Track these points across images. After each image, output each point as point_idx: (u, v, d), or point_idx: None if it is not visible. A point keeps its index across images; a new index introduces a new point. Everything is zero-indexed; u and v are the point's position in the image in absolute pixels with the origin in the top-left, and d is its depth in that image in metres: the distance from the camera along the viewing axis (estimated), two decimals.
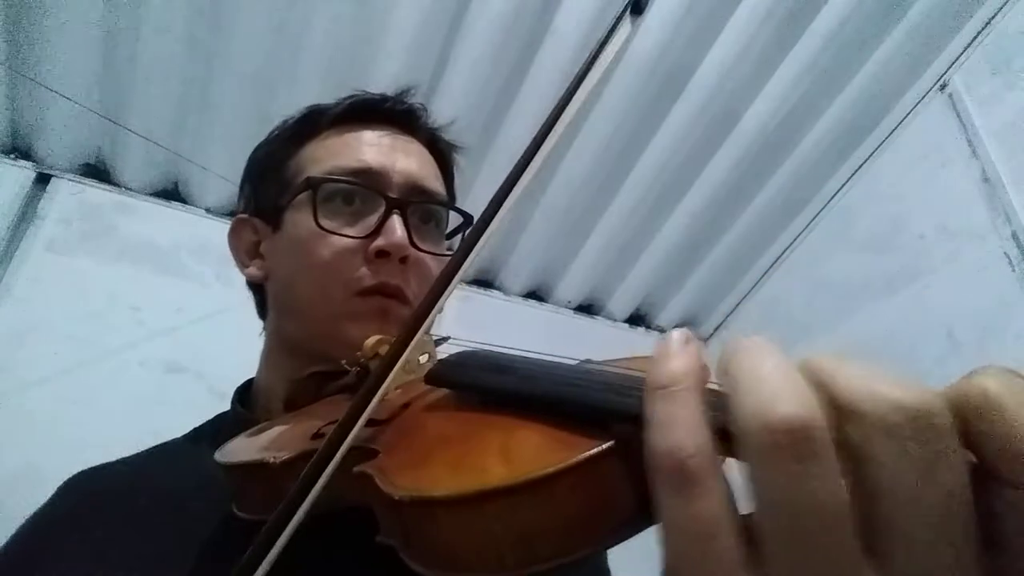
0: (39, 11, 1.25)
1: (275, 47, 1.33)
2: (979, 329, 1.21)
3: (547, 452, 0.27)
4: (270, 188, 0.63)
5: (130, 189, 1.51)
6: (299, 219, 0.58)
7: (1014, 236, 1.21)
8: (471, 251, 0.36)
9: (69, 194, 1.45)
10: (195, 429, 0.64)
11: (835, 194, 1.65)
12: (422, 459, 0.32)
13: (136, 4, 1.25)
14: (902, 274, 1.40)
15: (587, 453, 0.25)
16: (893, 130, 1.53)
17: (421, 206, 0.60)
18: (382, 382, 0.35)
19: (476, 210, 0.66)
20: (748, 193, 1.67)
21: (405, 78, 1.35)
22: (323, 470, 0.33)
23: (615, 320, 1.93)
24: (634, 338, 1.94)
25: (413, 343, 0.35)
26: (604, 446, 0.25)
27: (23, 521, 0.56)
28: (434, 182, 0.63)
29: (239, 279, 1.68)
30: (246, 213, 0.66)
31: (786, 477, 0.18)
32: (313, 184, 0.57)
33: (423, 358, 0.43)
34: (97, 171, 1.50)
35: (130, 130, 1.38)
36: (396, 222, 0.56)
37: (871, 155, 1.58)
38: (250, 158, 0.69)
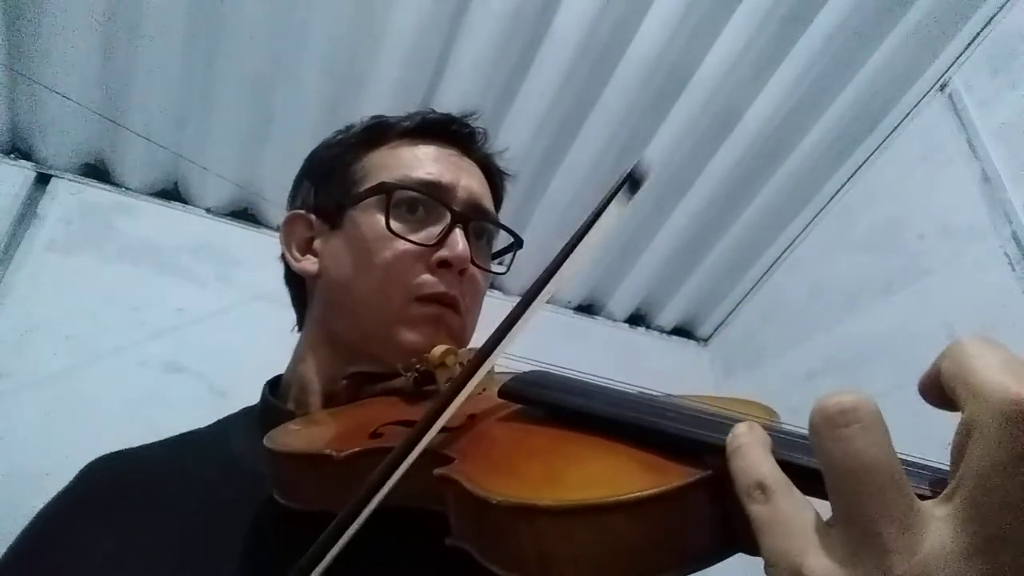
0: (39, 11, 1.25)
1: (275, 47, 1.33)
2: (979, 329, 1.21)
3: (644, 475, 0.28)
4: (333, 188, 0.64)
5: (130, 189, 1.51)
6: (366, 220, 0.60)
7: (1014, 236, 1.20)
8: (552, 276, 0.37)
9: (69, 194, 1.45)
10: (218, 422, 0.64)
11: (835, 194, 1.65)
12: (512, 468, 0.33)
13: (136, 4, 1.25)
14: (902, 274, 1.40)
15: (691, 479, 0.27)
16: (893, 130, 1.53)
17: (477, 223, 0.63)
18: (461, 391, 0.36)
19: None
20: (748, 193, 1.67)
21: (405, 78, 1.37)
22: (397, 469, 0.34)
23: (615, 320, 1.93)
24: (634, 338, 1.94)
25: (492, 358, 0.37)
26: (704, 474, 0.27)
27: (44, 504, 0.56)
28: (489, 202, 0.67)
29: (239, 279, 1.68)
30: (302, 209, 0.67)
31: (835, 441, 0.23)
32: (388, 189, 0.60)
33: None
34: (97, 171, 1.50)
35: (130, 130, 1.38)
36: (459, 236, 0.59)
37: (871, 155, 1.57)
38: (310, 157, 0.71)
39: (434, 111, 0.68)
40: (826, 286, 1.62)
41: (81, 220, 1.44)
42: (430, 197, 0.60)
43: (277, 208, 1.53)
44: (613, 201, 0.33)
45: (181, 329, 1.40)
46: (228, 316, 1.44)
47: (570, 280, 0.39)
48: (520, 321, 0.36)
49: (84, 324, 1.33)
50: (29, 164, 1.44)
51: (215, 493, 0.52)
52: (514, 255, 0.70)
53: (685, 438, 0.29)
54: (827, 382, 1.53)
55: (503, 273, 0.70)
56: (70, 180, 1.47)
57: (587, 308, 1.92)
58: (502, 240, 0.70)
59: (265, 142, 1.46)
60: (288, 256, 0.66)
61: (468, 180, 0.63)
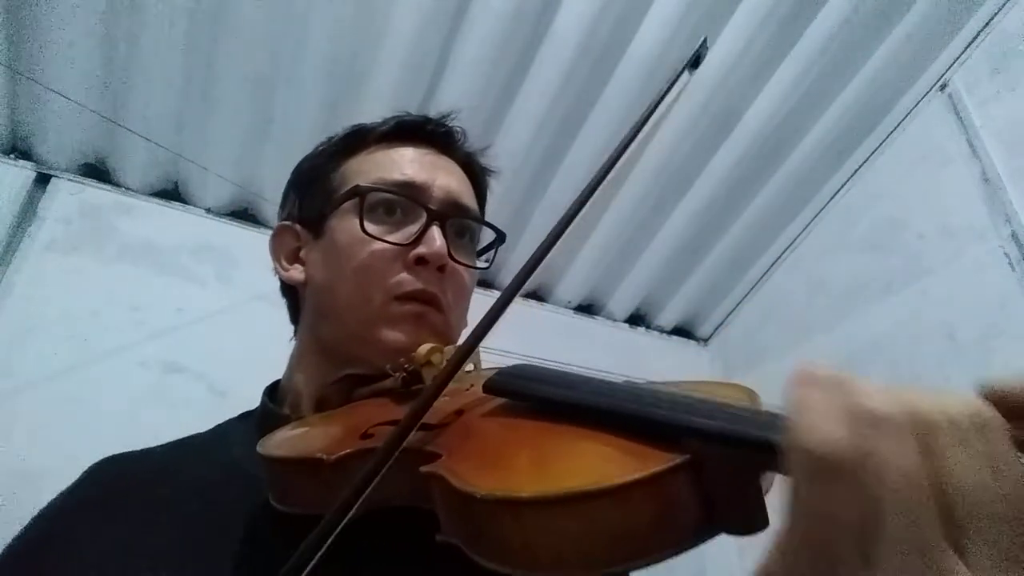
0: (39, 10, 1.25)
1: (275, 47, 1.33)
2: (979, 329, 1.21)
3: (624, 462, 0.29)
4: (315, 197, 0.65)
5: (130, 189, 1.51)
6: (343, 225, 0.61)
7: (1014, 236, 1.21)
8: (533, 269, 0.39)
9: (69, 194, 1.45)
10: (218, 426, 0.65)
11: (835, 194, 1.65)
12: (497, 462, 0.34)
13: (136, 4, 1.25)
14: (902, 274, 1.40)
15: (669, 463, 0.27)
16: (893, 130, 1.53)
17: (458, 220, 0.64)
18: (442, 388, 0.37)
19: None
20: (748, 193, 1.67)
21: (405, 78, 1.37)
22: (382, 468, 0.34)
23: (615, 320, 1.93)
24: (634, 338, 1.94)
25: (474, 351, 0.37)
26: (683, 458, 0.28)
27: (44, 505, 0.56)
28: (469, 199, 0.66)
29: (239, 279, 1.68)
30: (288, 220, 0.68)
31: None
32: (361, 192, 0.60)
33: (468, 367, 0.45)
34: (97, 171, 1.50)
35: (130, 130, 1.38)
36: (436, 233, 0.59)
37: (871, 155, 1.58)
38: (295, 170, 0.72)
39: (410, 114, 0.69)
40: (826, 286, 1.62)
41: (81, 220, 1.44)
42: (405, 197, 0.61)
43: (277, 208, 1.53)
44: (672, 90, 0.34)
45: (181, 329, 1.40)
46: (228, 316, 1.44)
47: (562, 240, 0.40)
48: (503, 308, 0.37)
49: (84, 324, 1.33)
50: (29, 164, 1.44)
51: (216, 496, 0.53)
52: (496, 251, 0.70)
53: (664, 423, 0.30)
54: None
55: (486, 268, 0.70)
56: (70, 180, 1.47)
57: (587, 308, 1.92)
58: (488, 237, 0.70)
59: (265, 142, 1.46)
60: (277, 267, 0.67)
61: (445, 178, 0.64)
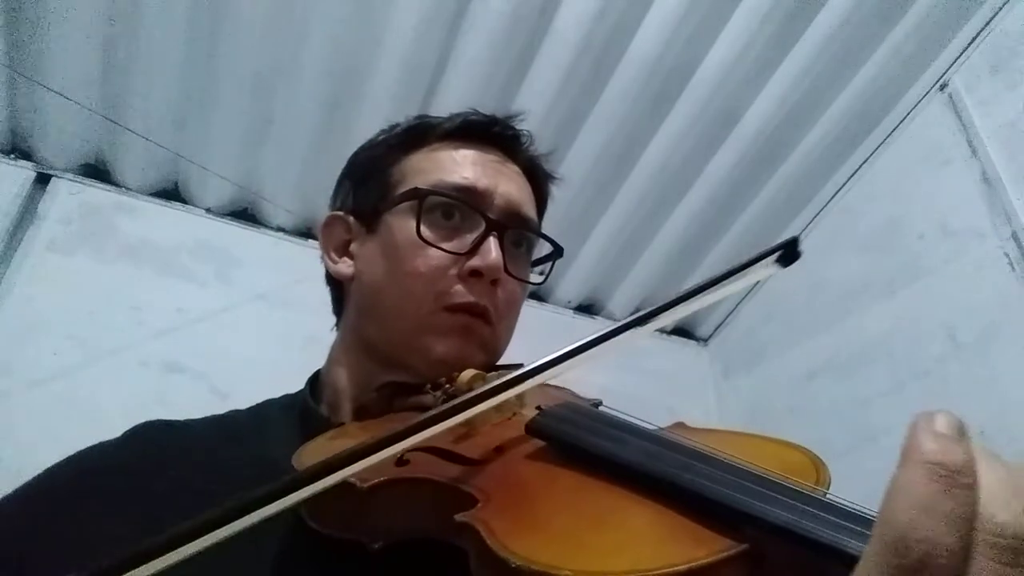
0: (39, 11, 1.25)
1: (275, 47, 1.33)
2: (979, 329, 1.21)
3: (675, 543, 0.27)
4: (371, 190, 0.64)
5: (130, 189, 1.51)
6: (399, 225, 0.60)
7: (1014, 236, 1.20)
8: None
9: (69, 194, 1.45)
10: (259, 406, 0.64)
11: (835, 194, 1.65)
12: (536, 522, 0.31)
13: (136, 4, 1.25)
14: (902, 274, 1.40)
15: (726, 552, 0.25)
16: (893, 130, 1.53)
17: (515, 231, 0.62)
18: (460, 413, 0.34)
19: None
20: (748, 193, 1.67)
21: (405, 78, 1.37)
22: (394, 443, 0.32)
23: (615, 320, 1.92)
24: (634, 338, 1.93)
25: (504, 395, 0.35)
26: (739, 548, 0.25)
27: (88, 449, 0.55)
28: (530, 209, 0.65)
29: (239, 279, 1.67)
30: (341, 211, 0.67)
31: None
32: (420, 195, 0.59)
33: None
34: (97, 171, 1.50)
35: (130, 130, 1.38)
36: (493, 244, 0.58)
37: (871, 155, 1.58)
38: (352, 158, 0.70)
39: (477, 112, 0.67)
40: (826, 286, 1.62)
41: (81, 220, 1.44)
42: (464, 203, 0.59)
43: (277, 208, 1.54)
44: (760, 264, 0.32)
45: (181, 329, 1.40)
46: (228, 316, 1.44)
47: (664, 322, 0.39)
48: (558, 364, 0.35)
49: (84, 324, 1.33)
50: (29, 164, 1.44)
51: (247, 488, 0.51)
52: (553, 264, 0.69)
53: (722, 504, 0.27)
54: (827, 382, 1.54)
55: (541, 283, 0.69)
56: (70, 180, 1.47)
57: (587, 308, 1.92)
58: (545, 246, 0.69)
59: (265, 142, 1.46)
60: (325, 258, 0.66)
61: (507, 186, 0.62)
